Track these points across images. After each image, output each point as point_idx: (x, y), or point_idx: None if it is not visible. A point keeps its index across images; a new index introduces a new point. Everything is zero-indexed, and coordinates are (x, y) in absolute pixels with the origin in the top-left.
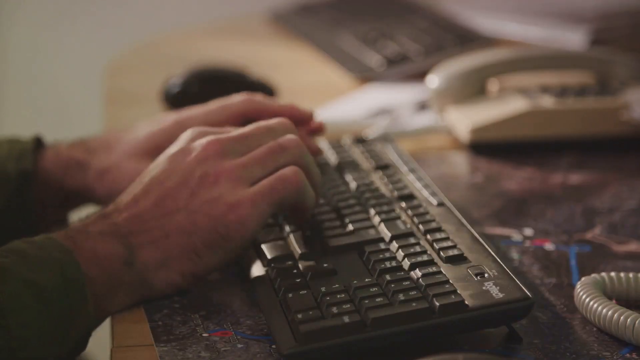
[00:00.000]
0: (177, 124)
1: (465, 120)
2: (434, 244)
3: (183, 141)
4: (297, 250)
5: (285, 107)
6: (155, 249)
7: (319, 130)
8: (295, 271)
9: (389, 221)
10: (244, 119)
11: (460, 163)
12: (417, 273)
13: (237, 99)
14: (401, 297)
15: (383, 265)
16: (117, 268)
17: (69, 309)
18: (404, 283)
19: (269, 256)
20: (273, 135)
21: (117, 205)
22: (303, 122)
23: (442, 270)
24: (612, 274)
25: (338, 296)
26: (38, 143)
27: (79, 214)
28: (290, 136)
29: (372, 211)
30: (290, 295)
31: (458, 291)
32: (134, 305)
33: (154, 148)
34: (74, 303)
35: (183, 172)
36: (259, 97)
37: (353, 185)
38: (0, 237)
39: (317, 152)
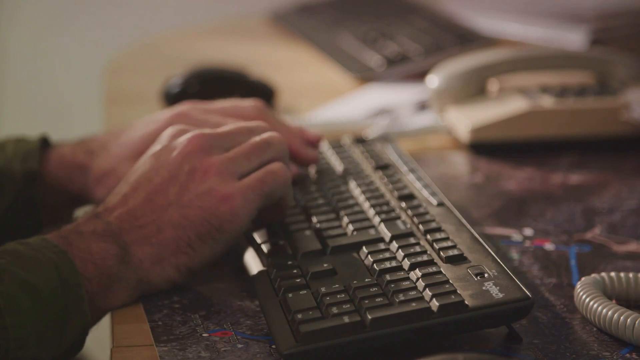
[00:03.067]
0: (173, 123)
1: (465, 120)
2: (434, 244)
3: (166, 138)
4: (297, 250)
5: (294, 128)
6: (150, 245)
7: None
8: (295, 271)
9: (389, 221)
10: None
11: (460, 163)
12: (417, 273)
13: (250, 104)
14: (401, 297)
15: (383, 265)
16: (114, 267)
17: (65, 309)
18: (403, 283)
19: (269, 256)
20: (253, 135)
21: (107, 205)
22: (310, 144)
23: (442, 270)
24: (612, 274)
25: (338, 296)
26: (44, 143)
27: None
28: (274, 133)
29: (372, 211)
30: (290, 295)
31: (458, 291)
32: (133, 300)
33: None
34: (70, 303)
35: (170, 168)
36: (268, 110)
37: (353, 185)
38: (7, 236)
39: (313, 161)
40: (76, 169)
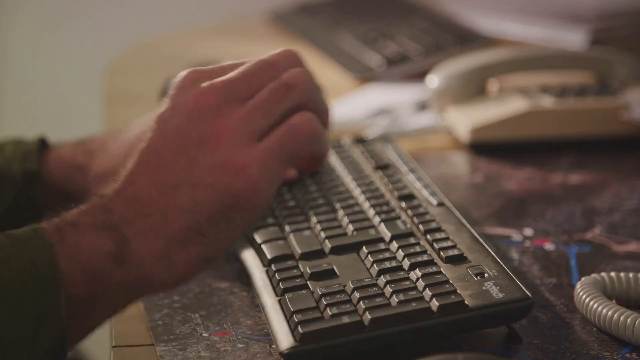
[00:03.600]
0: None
1: (465, 120)
2: (434, 244)
3: (175, 92)
4: (297, 250)
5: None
6: (154, 237)
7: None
8: (295, 271)
9: (389, 221)
10: None
11: (460, 163)
12: (416, 273)
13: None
14: (401, 297)
15: (383, 265)
16: (105, 268)
17: (39, 311)
18: (403, 283)
19: (269, 256)
20: (276, 71)
21: (116, 186)
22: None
23: (441, 270)
24: (612, 274)
25: (337, 296)
26: (42, 144)
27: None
28: (295, 70)
29: (372, 211)
30: (290, 295)
31: (458, 291)
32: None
33: None
34: (46, 304)
35: (177, 135)
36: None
37: (353, 185)
38: None
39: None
40: (76, 169)
